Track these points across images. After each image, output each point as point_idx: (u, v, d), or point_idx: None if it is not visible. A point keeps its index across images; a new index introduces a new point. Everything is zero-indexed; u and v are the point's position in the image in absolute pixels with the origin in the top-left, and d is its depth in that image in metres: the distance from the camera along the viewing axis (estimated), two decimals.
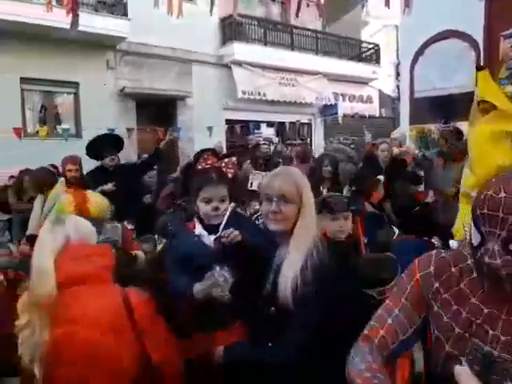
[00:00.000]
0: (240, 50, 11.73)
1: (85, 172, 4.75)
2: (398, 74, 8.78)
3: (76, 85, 9.69)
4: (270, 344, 1.56)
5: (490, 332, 1.07)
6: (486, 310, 1.09)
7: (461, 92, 5.03)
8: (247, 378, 1.63)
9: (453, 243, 2.40)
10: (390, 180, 4.12)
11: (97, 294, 1.52)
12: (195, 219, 2.04)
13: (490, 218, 1.01)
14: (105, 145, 4.54)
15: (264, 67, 12.33)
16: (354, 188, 3.90)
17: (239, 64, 11.95)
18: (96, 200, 2.46)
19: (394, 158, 4.81)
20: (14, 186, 5.67)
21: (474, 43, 4.89)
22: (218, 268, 1.86)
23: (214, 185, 1.95)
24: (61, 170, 4.36)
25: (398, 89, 21.71)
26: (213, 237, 1.95)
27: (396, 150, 5.05)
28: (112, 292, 1.55)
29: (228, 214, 1.99)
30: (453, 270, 1.19)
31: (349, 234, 2.32)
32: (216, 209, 1.94)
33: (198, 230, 1.99)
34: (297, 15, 4.78)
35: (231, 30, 11.84)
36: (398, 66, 9.78)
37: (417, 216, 3.44)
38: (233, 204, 2.05)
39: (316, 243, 1.55)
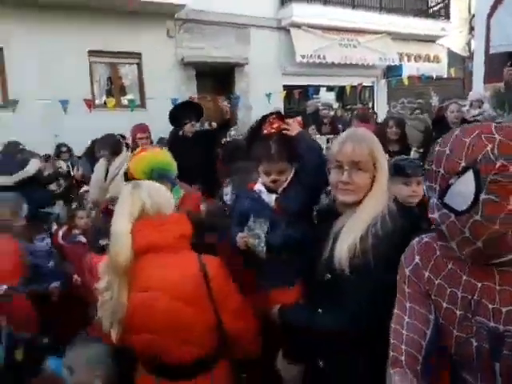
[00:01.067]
0: (299, 12, 11.31)
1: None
2: (471, 29, 8.03)
3: (139, 55, 9.94)
4: (320, 310, 1.52)
5: (490, 306, 1.01)
6: (479, 285, 1.03)
7: None
8: (303, 339, 1.62)
9: None
10: None
11: (175, 262, 1.53)
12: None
13: (428, 173, 1.03)
14: (185, 112, 4.69)
15: (324, 28, 11.83)
16: (421, 151, 3.74)
17: (298, 26, 11.56)
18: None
19: (464, 120, 4.50)
20: (88, 154, 6.01)
21: None
22: (252, 217, 1.85)
23: (272, 160, 1.88)
24: (130, 138, 4.56)
25: (469, 46, 20.15)
26: (273, 196, 1.92)
27: (472, 111, 4.70)
28: (190, 260, 1.56)
29: (289, 180, 1.93)
30: (437, 252, 1.13)
31: (420, 199, 2.25)
32: (274, 181, 1.90)
33: (258, 186, 1.97)
34: None
35: None
36: (471, 20, 8.94)
37: None
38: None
39: (384, 213, 1.43)
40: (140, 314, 1.49)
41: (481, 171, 0.91)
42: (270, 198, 1.93)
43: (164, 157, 2.53)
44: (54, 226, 3.45)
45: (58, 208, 3.73)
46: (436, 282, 1.12)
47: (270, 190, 1.94)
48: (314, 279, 1.59)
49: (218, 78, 11.03)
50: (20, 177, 3.30)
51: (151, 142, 4.60)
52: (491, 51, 5.13)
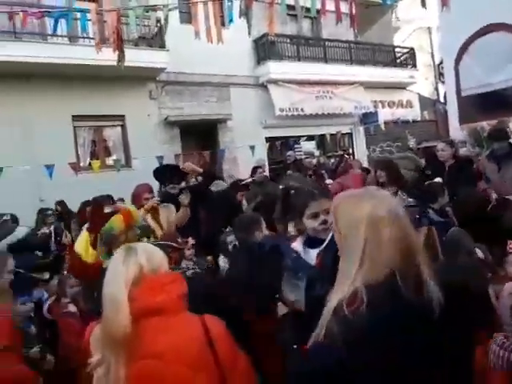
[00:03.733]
0: (275, 69, 11.90)
1: None
2: (440, 75, 8.55)
3: (122, 117, 10.17)
4: None
5: None
6: None
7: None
8: None
9: None
10: (452, 183, 3.95)
11: (177, 325, 1.45)
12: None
13: None
14: (165, 175, 4.73)
15: (300, 83, 12.41)
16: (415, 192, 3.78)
17: (275, 82, 12.11)
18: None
19: (456, 159, 4.56)
20: (78, 217, 5.90)
21: None
22: (293, 278, 1.84)
23: (323, 195, 1.90)
24: (133, 198, 4.50)
25: (437, 90, 21.34)
26: (314, 252, 1.87)
27: (464, 150, 4.83)
28: (191, 322, 1.49)
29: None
30: None
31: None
32: (325, 222, 1.86)
33: (296, 245, 1.93)
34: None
35: (265, 49, 12.05)
36: (439, 66, 9.53)
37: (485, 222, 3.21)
38: None
39: None
40: (145, 383, 1.38)
41: None
42: (311, 256, 1.88)
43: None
44: (45, 295, 3.31)
45: (47, 274, 3.60)
46: None
47: (311, 244, 1.89)
48: None
49: (201, 134, 11.29)
50: (7, 242, 3.23)
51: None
52: (462, 94, 5.42)
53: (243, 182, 6.21)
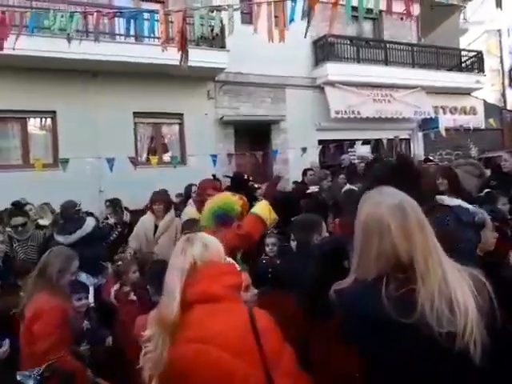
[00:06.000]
0: (333, 71, 11.73)
1: None
2: (510, 81, 8.04)
3: (180, 115, 10.47)
4: None
5: None
6: None
7: None
8: None
9: None
10: None
11: (225, 314, 1.50)
12: None
13: None
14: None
15: (358, 85, 12.16)
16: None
17: (332, 84, 11.94)
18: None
19: None
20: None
21: None
22: None
23: None
24: (198, 191, 4.66)
25: (504, 97, 20.10)
26: None
27: None
28: (239, 312, 1.53)
29: None
30: None
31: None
32: None
33: None
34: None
35: (323, 51, 11.93)
36: (510, 72, 8.97)
37: None
38: None
39: None
40: (190, 365, 1.44)
41: None
42: None
43: (223, 200, 2.65)
44: (103, 280, 3.48)
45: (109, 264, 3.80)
46: None
47: None
48: None
49: (255, 134, 11.38)
50: (77, 236, 3.44)
51: None
52: None
53: (309, 191, 6.16)
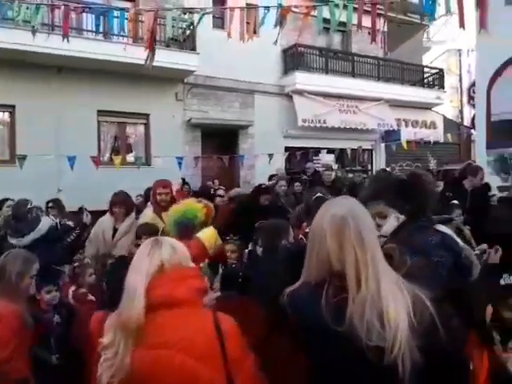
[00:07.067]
0: (301, 80, 11.92)
1: None
2: (470, 98, 8.46)
3: (147, 116, 10.29)
4: None
5: None
6: None
7: None
8: None
9: None
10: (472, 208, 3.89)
11: (189, 319, 1.48)
12: None
13: None
14: None
15: (325, 95, 12.40)
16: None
17: (300, 93, 12.12)
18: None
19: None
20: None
21: None
22: None
23: None
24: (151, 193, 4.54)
25: (462, 113, 21.11)
26: None
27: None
28: (203, 317, 1.52)
29: None
30: None
31: None
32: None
33: None
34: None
35: (293, 60, 12.09)
36: (469, 89, 9.44)
37: None
38: None
39: None
40: (153, 371, 1.41)
41: None
42: None
43: (186, 207, 2.58)
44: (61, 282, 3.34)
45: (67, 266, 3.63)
46: None
47: None
48: None
49: (222, 139, 11.36)
50: (31, 238, 3.26)
51: (172, 198, 4.49)
52: (492, 119, 5.35)
53: (264, 186, 6.23)
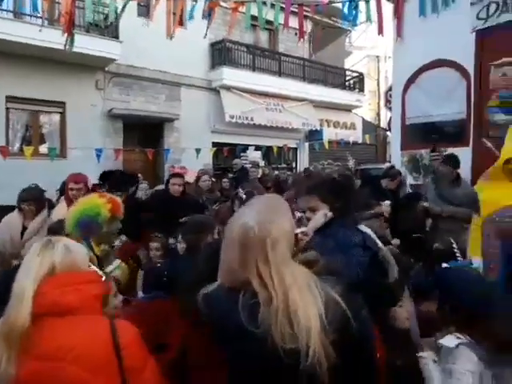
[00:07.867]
0: (228, 75, 11.88)
1: None
2: (387, 102, 9.02)
3: (62, 104, 9.59)
4: None
5: None
6: None
7: (453, 119, 5.22)
8: None
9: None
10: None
11: (82, 327, 1.38)
12: None
13: None
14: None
15: (252, 92, 12.49)
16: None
17: (228, 88, 12.08)
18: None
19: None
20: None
21: (464, 73, 5.06)
22: None
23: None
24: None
25: (379, 116, 22.56)
26: None
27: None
28: (99, 325, 1.41)
29: None
30: None
31: None
32: None
33: None
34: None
35: (220, 55, 12.01)
36: (386, 93, 10.06)
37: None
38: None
39: None
40: (41, 383, 1.31)
41: None
42: None
43: (87, 204, 2.43)
44: None
45: None
46: None
47: None
48: None
49: (146, 131, 10.96)
50: None
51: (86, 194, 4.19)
52: (407, 122, 5.72)
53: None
